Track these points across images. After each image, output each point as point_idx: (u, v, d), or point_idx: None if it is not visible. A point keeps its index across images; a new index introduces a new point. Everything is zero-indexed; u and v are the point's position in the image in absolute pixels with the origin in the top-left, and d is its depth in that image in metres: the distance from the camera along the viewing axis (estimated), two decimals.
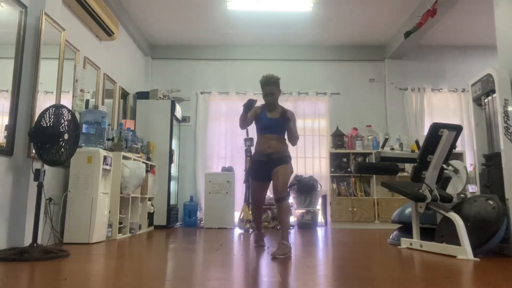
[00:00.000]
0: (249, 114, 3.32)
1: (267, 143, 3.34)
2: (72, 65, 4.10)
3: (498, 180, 3.17)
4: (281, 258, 2.83)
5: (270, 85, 3.36)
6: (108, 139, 4.33)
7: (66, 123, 2.95)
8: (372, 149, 6.25)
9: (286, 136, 3.42)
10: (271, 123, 3.35)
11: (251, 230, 5.36)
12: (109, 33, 4.74)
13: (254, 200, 3.59)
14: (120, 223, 4.28)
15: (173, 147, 5.96)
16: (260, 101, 3.45)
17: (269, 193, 4.51)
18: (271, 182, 3.38)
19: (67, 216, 3.67)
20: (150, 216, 5.35)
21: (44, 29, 3.30)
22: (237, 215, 5.75)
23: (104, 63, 4.94)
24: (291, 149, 3.46)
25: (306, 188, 5.92)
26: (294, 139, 3.37)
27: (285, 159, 3.32)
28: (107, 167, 3.91)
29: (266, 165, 3.33)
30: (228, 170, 6.04)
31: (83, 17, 4.29)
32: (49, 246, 3.13)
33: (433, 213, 3.43)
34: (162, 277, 2.13)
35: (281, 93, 3.48)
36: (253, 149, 5.74)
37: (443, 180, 3.64)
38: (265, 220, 5.76)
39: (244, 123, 3.34)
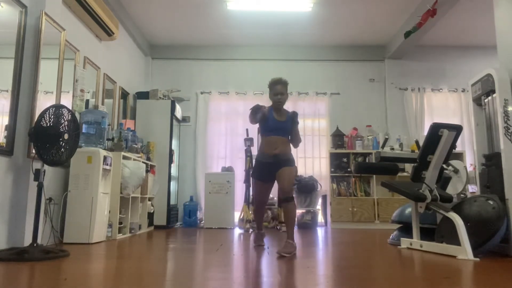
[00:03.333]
0: (258, 115, 3.36)
1: (274, 145, 3.38)
2: (72, 65, 4.10)
3: (498, 180, 3.17)
4: (287, 256, 2.90)
5: (280, 84, 3.43)
6: (108, 139, 4.33)
7: (66, 123, 2.95)
8: (372, 149, 6.25)
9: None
10: (278, 125, 3.39)
11: (251, 230, 5.35)
12: (109, 33, 4.74)
13: (257, 201, 3.64)
14: (120, 223, 4.28)
15: (173, 147, 5.96)
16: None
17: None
18: (275, 183, 3.46)
19: (67, 216, 3.67)
20: (150, 216, 5.35)
21: (44, 29, 3.30)
22: (237, 215, 5.75)
23: (104, 63, 4.94)
24: (291, 148, 3.49)
25: (306, 188, 5.92)
26: (297, 142, 3.46)
27: (290, 161, 3.39)
28: (107, 167, 3.91)
29: (271, 166, 3.38)
30: (228, 170, 6.04)
31: (83, 17, 4.29)
32: (49, 246, 3.13)
33: (433, 213, 3.43)
34: (162, 277, 2.13)
35: (288, 97, 3.54)
36: (253, 149, 5.80)
37: (443, 180, 3.64)
38: (265, 220, 5.75)
39: (253, 120, 3.39)
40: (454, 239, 2.99)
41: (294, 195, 5.79)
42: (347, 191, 6.10)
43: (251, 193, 5.65)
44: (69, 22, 4.02)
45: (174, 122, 6.11)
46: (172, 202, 6.02)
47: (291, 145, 3.47)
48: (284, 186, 3.28)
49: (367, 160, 6.22)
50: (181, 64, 6.84)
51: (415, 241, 3.42)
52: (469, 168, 5.63)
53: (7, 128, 3.03)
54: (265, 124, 3.42)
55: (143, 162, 4.88)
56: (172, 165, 5.85)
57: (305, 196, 5.94)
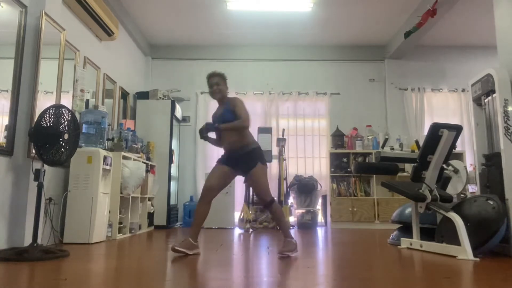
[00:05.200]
0: (204, 135, 3.14)
1: (225, 143, 3.15)
2: (72, 65, 4.10)
3: (498, 180, 3.17)
4: (289, 255, 2.91)
5: (214, 77, 3.20)
6: (108, 139, 4.33)
7: (66, 123, 2.95)
8: (372, 149, 6.24)
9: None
10: (220, 120, 3.11)
11: (251, 230, 5.36)
12: (109, 33, 4.74)
13: (206, 187, 3.13)
14: (120, 223, 4.28)
15: (173, 147, 5.96)
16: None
17: None
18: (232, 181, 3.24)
19: (67, 216, 3.67)
20: (150, 216, 5.35)
21: (44, 29, 3.30)
22: (237, 215, 5.74)
23: (104, 63, 4.94)
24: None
25: (306, 188, 5.92)
26: (243, 123, 3.01)
27: (250, 156, 3.07)
28: (107, 167, 3.91)
29: (234, 160, 3.13)
30: None
31: (83, 17, 4.29)
32: (49, 246, 3.13)
33: (433, 213, 3.43)
34: (162, 277, 2.13)
35: (228, 89, 3.25)
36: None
37: (443, 180, 3.64)
38: (265, 220, 5.75)
39: (219, 142, 3.21)
40: (454, 239, 2.99)
41: (292, 195, 5.92)
42: (347, 191, 6.10)
43: (251, 193, 5.65)
44: (69, 22, 4.02)
45: (174, 122, 6.11)
46: (172, 202, 6.02)
47: (245, 132, 3.10)
48: (259, 194, 3.09)
49: (367, 160, 6.22)
50: (181, 64, 6.83)
51: (415, 241, 3.42)
52: (469, 168, 5.62)
53: (7, 128, 3.04)
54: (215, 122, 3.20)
55: (143, 162, 4.88)
56: (172, 165, 5.85)
57: (305, 196, 5.94)
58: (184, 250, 2.93)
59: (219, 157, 3.27)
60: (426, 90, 6.68)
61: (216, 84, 3.18)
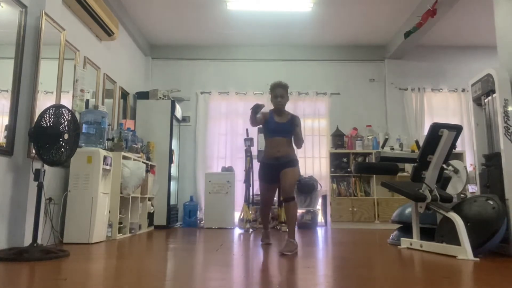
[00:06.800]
0: (258, 117, 3.44)
1: (276, 147, 3.47)
2: (72, 65, 4.10)
3: (498, 180, 3.17)
4: (288, 255, 2.97)
5: (281, 88, 3.54)
6: (108, 139, 4.33)
7: (66, 123, 2.95)
8: (372, 149, 6.25)
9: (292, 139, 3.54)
10: (279, 127, 3.48)
11: (251, 230, 5.36)
12: (109, 33, 4.74)
13: (263, 202, 3.75)
14: (120, 223, 4.28)
15: (173, 147, 5.96)
16: (268, 106, 3.62)
17: None
18: (280, 184, 3.53)
19: (67, 216, 3.67)
20: (150, 216, 5.35)
21: (44, 29, 3.30)
22: (237, 215, 5.74)
23: (104, 63, 4.94)
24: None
25: (306, 188, 5.92)
26: (300, 143, 3.48)
27: (293, 162, 3.45)
28: (107, 167, 3.91)
29: (274, 167, 3.46)
30: (228, 170, 6.04)
31: (83, 17, 4.29)
32: (49, 246, 3.13)
33: (433, 213, 3.43)
34: (162, 277, 2.13)
35: (288, 99, 3.63)
36: (253, 149, 5.80)
37: (443, 180, 3.64)
38: None
39: (254, 122, 3.44)
40: (454, 239, 2.99)
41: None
42: (347, 191, 6.10)
43: (251, 193, 5.66)
44: (69, 22, 4.02)
45: (174, 122, 6.11)
46: (172, 202, 6.02)
47: (294, 146, 3.53)
48: (286, 187, 3.34)
49: (367, 160, 6.22)
50: (181, 64, 6.83)
51: (415, 241, 3.42)
52: (469, 168, 5.63)
53: (7, 128, 3.03)
54: (267, 126, 3.53)
55: (143, 162, 4.88)
56: (172, 165, 5.85)
57: (305, 196, 5.94)
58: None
59: (259, 171, 3.66)
60: (426, 90, 6.68)
61: (281, 96, 3.53)
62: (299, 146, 3.52)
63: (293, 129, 3.45)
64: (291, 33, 6.34)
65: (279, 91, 3.52)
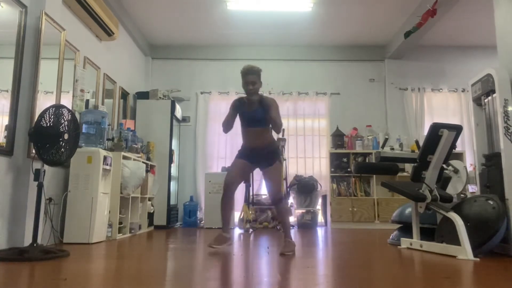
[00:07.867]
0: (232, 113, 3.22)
1: (251, 139, 3.23)
2: (72, 65, 4.10)
3: (498, 180, 3.17)
4: (290, 255, 2.98)
5: (252, 74, 3.23)
6: (108, 139, 4.33)
7: (66, 123, 2.95)
8: (372, 149, 6.24)
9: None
10: (251, 117, 3.20)
11: (251, 230, 5.36)
12: (109, 33, 4.74)
13: (227, 182, 3.25)
14: (120, 223, 4.28)
15: (173, 147, 5.96)
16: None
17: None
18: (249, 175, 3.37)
19: (67, 216, 3.67)
20: (150, 216, 5.35)
21: (44, 29, 3.30)
22: (237, 215, 5.74)
23: (104, 63, 4.94)
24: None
25: (306, 188, 5.92)
26: (277, 127, 3.13)
27: (273, 154, 3.22)
28: (107, 167, 3.91)
29: (253, 156, 3.24)
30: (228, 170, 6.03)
31: (83, 17, 4.29)
32: (49, 246, 3.13)
33: (433, 213, 3.42)
34: (162, 277, 2.13)
35: (261, 85, 3.31)
36: None
37: (443, 180, 3.64)
38: (265, 220, 5.76)
39: (228, 126, 3.22)
40: (454, 239, 2.99)
41: (292, 195, 5.93)
42: (347, 191, 6.10)
43: (251, 193, 5.65)
44: (69, 22, 4.02)
45: (174, 122, 6.11)
46: (172, 202, 6.02)
47: (271, 133, 3.25)
48: (272, 191, 3.20)
49: (367, 160, 6.22)
50: (181, 64, 6.83)
51: (415, 241, 3.42)
52: (469, 168, 5.62)
53: (7, 128, 3.03)
54: (240, 117, 3.27)
55: (143, 162, 4.88)
56: (172, 165, 5.85)
57: (305, 196, 5.94)
58: (216, 246, 3.14)
59: (238, 152, 3.35)
60: (426, 90, 6.68)
61: (252, 83, 3.21)
62: (277, 131, 3.16)
63: (267, 114, 3.12)
64: (291, 33, 6.34)
65: (251, 78, 3.20)
